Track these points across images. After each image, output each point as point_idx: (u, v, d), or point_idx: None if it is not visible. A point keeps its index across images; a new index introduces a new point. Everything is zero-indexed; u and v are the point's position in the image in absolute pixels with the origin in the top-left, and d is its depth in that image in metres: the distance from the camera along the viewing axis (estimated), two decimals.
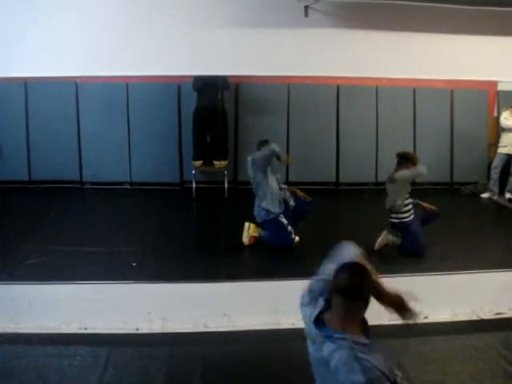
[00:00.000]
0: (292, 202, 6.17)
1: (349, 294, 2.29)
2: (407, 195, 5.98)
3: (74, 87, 8.43)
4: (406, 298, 2.52)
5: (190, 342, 4.65)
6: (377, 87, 8.90)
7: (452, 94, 9.15)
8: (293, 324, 4.72)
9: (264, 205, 5.96)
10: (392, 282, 5.13)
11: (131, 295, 4.92)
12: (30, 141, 8.49)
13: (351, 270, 2.38)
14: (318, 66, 5.12)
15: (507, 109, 8.40)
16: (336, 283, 2.32)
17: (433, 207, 6.18)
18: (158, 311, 4.87)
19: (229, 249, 6.05)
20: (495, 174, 8.55)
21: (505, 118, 8.34)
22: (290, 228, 5.92)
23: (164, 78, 7.85)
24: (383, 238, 6.04)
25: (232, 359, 4.41)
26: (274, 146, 5.91)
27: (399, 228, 6.02)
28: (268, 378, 4.23)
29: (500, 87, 9.24)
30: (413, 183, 8.51)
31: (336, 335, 2.26)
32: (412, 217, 5.98)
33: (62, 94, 8.38)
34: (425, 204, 6.18)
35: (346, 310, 2.29)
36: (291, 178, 8.55)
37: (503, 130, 8.40)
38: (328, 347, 2.26)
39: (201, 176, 8.47)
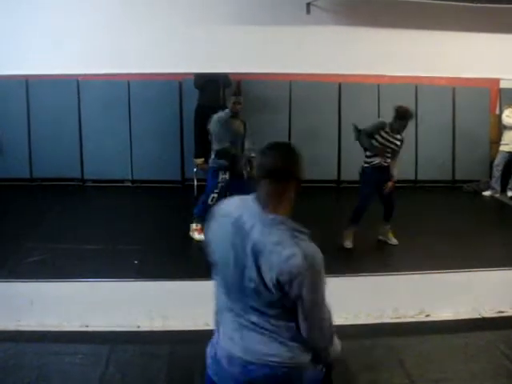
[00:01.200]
0: None
1: (276, 175, 2.14)
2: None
3: (76, 85, 8.44)
4: None
5: (191, 339, 4.63)
6: (379, 85, 8.89)
7: (454, 91, 9.14)
8: None
9: None
10: (393, 280, 5.16)
11: (132, 293, 4.91)
12: (31, 138, 8.50)
13: (276, 149, 2.21)
14: (320, 64, 5.11)
15: (509, 106, 8.40)
16: (261, 166, 2.17)
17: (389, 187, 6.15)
18: (159, 309, 4.86)
19: None
20: (497, 171, 8.55)
21: (507, 116, 8.34)
22: None
23: (165, 76, 7.85)
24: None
25: None
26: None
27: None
28: None
29: (502, 85, 9.21)
30: (414, 181, 8.56)
31: (270, 217, 2.11)
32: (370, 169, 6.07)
33: (64, 91, 8.38)
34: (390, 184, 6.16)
35: (276, 194, 2.14)
36: None
37: (505, 127, 8.40)
38: (258, 230, 2.09)
39: (202, 173, 8.46)
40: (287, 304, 2.09)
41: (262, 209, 2.14)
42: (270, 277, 2.04)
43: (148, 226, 6.66)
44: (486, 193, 8.69)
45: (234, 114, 6.02)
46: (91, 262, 5.45)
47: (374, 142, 5.98)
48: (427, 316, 5.07)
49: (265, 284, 2.06)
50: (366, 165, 6.09)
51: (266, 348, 2.16)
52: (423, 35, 5.05)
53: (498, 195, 8.60)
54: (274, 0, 4.85)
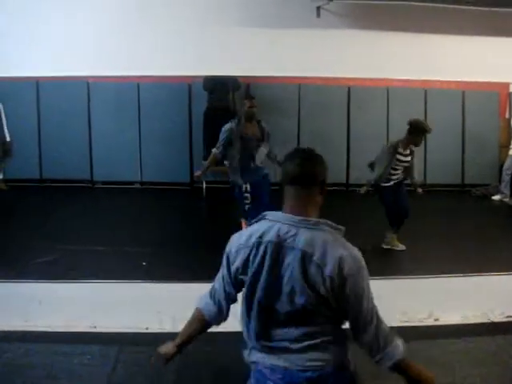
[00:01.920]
0: None
1: (301, 181, 2.18)
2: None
3: (86, 87, 8.48)
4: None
5: (199, 341, 4.63)
6: (388, 88, 8.87)
7: (463, 95, 9.12)
8: None
9: None
10: (401, 284, 5.14)
11: (141, 294, 4.92)
12: (41, 140, 8.56)
13: (300, 156, 2.28)
14: (329, 67, 5.11)
15: None
16: (287, 173, 2.21)
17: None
18: (168, 311, 4.86)
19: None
20: (506, 175, 8.51)
21: None
22: None
23: (175, 79, 7.87)
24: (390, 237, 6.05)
25: (241, 359, 4.39)
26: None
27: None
28: None
29: None
30: (423, 185, 8.51)
31: (308, 219, 2.13)
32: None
33: (74, 93, 8.44)
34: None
35: (306, 199, 2.18)
36: None
37: None
38: (303, 234, 2.11)
39: (211, 176, 8.47)
40: (332, 305, 2.11)
41: (296, 215, 2.15)
42: (319, 279, 2.06)
43: (156, 228, 6.67)
44: (496, 197, 8.66)
45: (249, 118, 5.96)
46: (100, 263, 5.47)
47: (391, 170, 5.96)
48: (436, 320, 5.05)
49: (312, 288, 2.08)
50: (383, 184, 6.04)
51: (307, 355, 2.16)
52: (433, 39, 5.05)
53: (507, 199, 8.56)
54: (284, 4, 4.86)
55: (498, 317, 5.20)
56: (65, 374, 4.10)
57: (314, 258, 2.08)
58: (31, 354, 4.34)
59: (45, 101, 8.51)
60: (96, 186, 8.73)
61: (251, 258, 2.18)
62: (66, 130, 8.45)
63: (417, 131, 5.80)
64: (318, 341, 2.16)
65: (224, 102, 8.13)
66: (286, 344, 2.19)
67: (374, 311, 2.17)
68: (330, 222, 2.18)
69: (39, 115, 8.55)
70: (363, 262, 2.13)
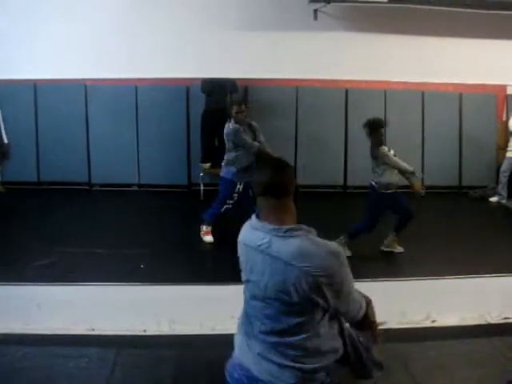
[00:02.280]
0: None
1: (273, 191, 2.21)
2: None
3: (84, 89, 8.48)
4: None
5: (197, 344, 4.65)
6: (385, 91, 8.89)
7: (461, 97, 9.13)
8: None
9: None
10: (399, 286, 5.15)
11: (139, 297, 4.93)
12: (39, 142, 8.55)
13: (270, 166, 2.30)
14: (327, 69, 5.13)
15: None
16: (257, 184, 2.25)
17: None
18: (166, 313, 4.87)
19: (237, 251, 6.05)
20: (504, 177, 8.52)
21: None
22: None
23: (173, 81, 7.87)
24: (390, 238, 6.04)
25: None
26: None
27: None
28: None
29: (509, 91, 9.21)
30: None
31: (283, 228, 2.18)
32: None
33: (72, 96, 8.43)
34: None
35: (278, 207, 2.23)
36: (299, 181, 8.52)
37: None
38: (277, 242, 2.17)
39: (209, 178, 8.48)
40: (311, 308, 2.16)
41: (270, 223, 2.21)
42: (300, 286, 2.11)
43: (154, 230, 6.67)
44: (493, 199, 8.67)
45: (239, 122, 6.00)
46: (98, 265, 5.46)
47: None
48: (433, 322, 5.06)
49: (291, 294, 2.13)
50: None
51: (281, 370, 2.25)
52: (430, 42, 5.06)
53: (504, 201, 8.57)
54: (282, 6, 4.87)
55: (495, 318, 5.21)
56: (63, 377, 4.11)
57: (291, 265, 2.12)
58: (30, 356, 4.34)
59: (42, 103, 8.50)
60: (94, 188, 8.72)
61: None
62: (64, 133, 8.44)
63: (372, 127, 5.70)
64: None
65: (222, 105, 8.13)
66: None
67: (358, 299, 2.30)
68: (303, 226, 2.22)
69: (37, 117, 8.54)
70: (342, 253, 2.20)
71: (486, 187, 8.93)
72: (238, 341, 2.43)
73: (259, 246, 2.22)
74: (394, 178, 5.70)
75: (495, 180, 8.89)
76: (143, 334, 4.81)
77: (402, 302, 4.98)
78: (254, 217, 2.32)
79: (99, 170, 8.63)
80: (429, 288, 5.12)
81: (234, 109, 5.98)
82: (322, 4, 4.81)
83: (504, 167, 8.51)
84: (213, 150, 8.41)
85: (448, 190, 9.10)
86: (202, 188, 8.28)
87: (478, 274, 5.36)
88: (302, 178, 8.50)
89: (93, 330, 4.81)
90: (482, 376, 4.23)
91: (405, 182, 5.70)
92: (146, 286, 5.06)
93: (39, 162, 8.58)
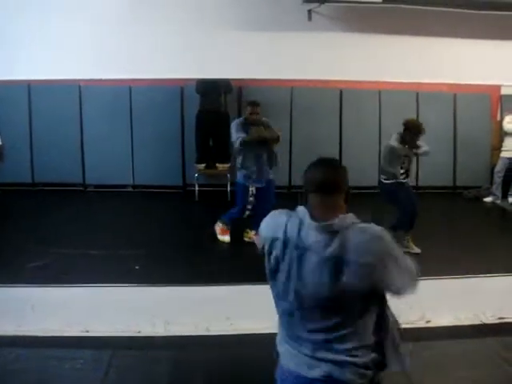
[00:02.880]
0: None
1: (326, 189, 2.24)
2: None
3: (78, 90, 8.46)
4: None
5: (192, 345, 4.64)
6: (380, 91, 8.90)
7: (455, 98, 9.15)
8: None
9: None
10: None
11: (134, 298, 4.91)
12: (33, 143, 8.53)
13: (324, 165, 2.36)
14: (321, 70, 5.12)
15: (510, 113, 8.40)
16: (311, 181, 2.27)
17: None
18: (161, 314, 4.86)
19: (232, 252, 6.04)
20: (498, 178, 8.54)
21: (508, 123, 8.35)
22: None
23: (167, 81, 7.86)
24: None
25: (234, 363, 4.39)
26: None
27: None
28: (271, 383, 4.22)
29: (503, 91, 9.23)
30: (415, 187, 8.54)
31: (335, 222, 2.17)
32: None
33: (66, 96, 8.41)
34: None
35: (329, 205, 2.23)
36: (294, 182, 8.55)
37: (506, 134, 8.40)
38: (328, 239, 2.16)
39: (203, 179, 8.48)
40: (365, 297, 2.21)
41: (322, 220, 2.20)
42: (353, 281, 2.13)
43: (149, 231, 6.66)
44: (488, 199, 8.69)
45: (252, 123, 6.02)
46: (92, 267, 5.45)
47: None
48: (428, 322, 5.06)
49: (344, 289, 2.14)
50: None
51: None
52: (424, 42, 5.06)
53: (499, 201, 8.59)
54: (276, 7, 4.86)
55: (489, 318, 5.21)
56: (57, 379, 4.09)
57: (347, 257, 2.13)
58: (22, 359, 4.32)
59: (36, 104, 8.48)
60: (88, 189, 8.71)
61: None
62: (58, 133, 8.42)
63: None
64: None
65: (216, 105, 8.14)
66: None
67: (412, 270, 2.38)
68: (349, 217, 2.24)
69: (31, 118, 8.52)
70: (388, 235, 2.22)
71: (480, 187, 8.96)
72: (282, 350, 2.38)
73: (310, 244, 2.19)
74: None
75: (489, 180, 8.92)
76: (138, 335, 4.80)
77: (396, 302, 4.98)
78: (299, 214, 2.28)
79: (94, 171, 8.62)
80: (423, 288, 5.09)
81: (248, 110, 5.99)
82: (316, 4, 4.80)
83: (498, 167, 8.54)
84: (207, 151, 8.41)
85: (442, 190, 9.13)
86: (196, 189, 8.27)
87: (473, 273, 5.37)
88: (297, 179, 8.52)
89: (87, 331, 4.79)
90: (477, 376, 4.23)
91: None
92: (141, 287, 5.05)
93: (33, 163, 8.57)
